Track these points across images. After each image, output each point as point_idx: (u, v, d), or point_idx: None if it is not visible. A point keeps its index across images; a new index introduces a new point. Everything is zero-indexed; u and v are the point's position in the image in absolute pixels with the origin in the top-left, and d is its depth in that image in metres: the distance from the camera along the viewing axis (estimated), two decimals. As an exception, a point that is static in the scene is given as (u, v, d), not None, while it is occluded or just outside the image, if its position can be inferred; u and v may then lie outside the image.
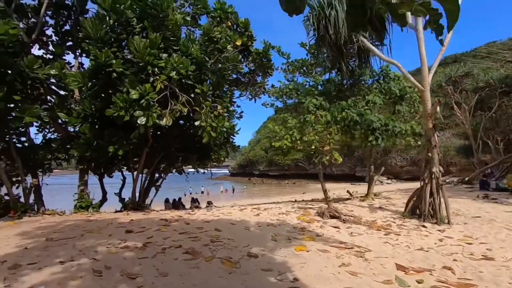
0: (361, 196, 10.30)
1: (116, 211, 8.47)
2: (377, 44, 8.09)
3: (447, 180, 17.87)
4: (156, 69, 6.59)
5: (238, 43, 9.24)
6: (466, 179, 15.54)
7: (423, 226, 5.95)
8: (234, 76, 10.49)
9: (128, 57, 6.93)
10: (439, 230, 5.70)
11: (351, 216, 6.71)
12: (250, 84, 11.33)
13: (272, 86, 11.83)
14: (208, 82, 8.05)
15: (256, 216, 6.74)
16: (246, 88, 11.46)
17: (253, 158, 66.18)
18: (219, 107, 7.72)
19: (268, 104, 12.34)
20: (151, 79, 6.58)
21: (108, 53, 6.31)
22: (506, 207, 8.30)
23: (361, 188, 16.82)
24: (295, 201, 11.79)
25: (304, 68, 11.72)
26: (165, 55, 6.98)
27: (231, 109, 9.49)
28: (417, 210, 6.78)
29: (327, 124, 8.11)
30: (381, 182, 33.32)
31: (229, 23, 9.67)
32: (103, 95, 7.24)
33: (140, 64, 6.52)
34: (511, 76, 17.25)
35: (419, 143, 9.40)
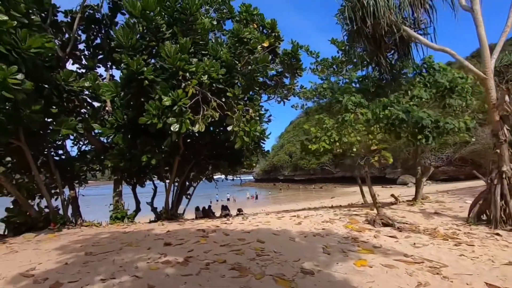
0: (408, 200, 9.38)
1: (151, 221, 8.34)
2: (420, 33, 7.40)
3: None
4: (187, 74, 6.40)
5: (266, 44, 8.93)
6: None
7: (497, 234, 5.07)
8: (261, 79, 10.17)
9: (159, 64, 6.81)
10: (519, 239, 4.85)
11: (405, 223, 5.98)
12: (277, 86, 10.93)
13: (301, 87, 11.33)
14: (238, 85, 7.78)
15: (297, 225, 6.23)
16: (274, 91, 11.07)
17: (277, 163, 65.60)
18: (250, 110, 7.39)
19: (298, 106, 11.84)
20: (183, 84, 6.39)
21: (139, 60, 6.21)
22: None
23: (396, 191, 15.54)
24: (332, 206, 11.06)
25: (334, 66, 11.14)
26: (195, 59, 6.80)
27: (262, 112, 9.13)
28: (484, 215, 5.91)
29: (367, 123, 7.43)
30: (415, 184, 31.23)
31: (255, 25, 9.42)
32: (135, 104, 7.17)
33: (172, 70, 6.35)
34: None
35: (474, 139, 8.43)
